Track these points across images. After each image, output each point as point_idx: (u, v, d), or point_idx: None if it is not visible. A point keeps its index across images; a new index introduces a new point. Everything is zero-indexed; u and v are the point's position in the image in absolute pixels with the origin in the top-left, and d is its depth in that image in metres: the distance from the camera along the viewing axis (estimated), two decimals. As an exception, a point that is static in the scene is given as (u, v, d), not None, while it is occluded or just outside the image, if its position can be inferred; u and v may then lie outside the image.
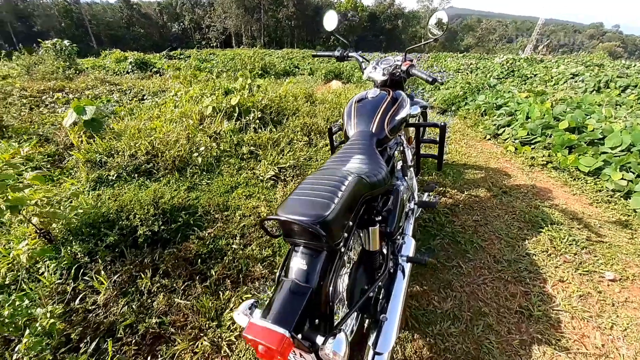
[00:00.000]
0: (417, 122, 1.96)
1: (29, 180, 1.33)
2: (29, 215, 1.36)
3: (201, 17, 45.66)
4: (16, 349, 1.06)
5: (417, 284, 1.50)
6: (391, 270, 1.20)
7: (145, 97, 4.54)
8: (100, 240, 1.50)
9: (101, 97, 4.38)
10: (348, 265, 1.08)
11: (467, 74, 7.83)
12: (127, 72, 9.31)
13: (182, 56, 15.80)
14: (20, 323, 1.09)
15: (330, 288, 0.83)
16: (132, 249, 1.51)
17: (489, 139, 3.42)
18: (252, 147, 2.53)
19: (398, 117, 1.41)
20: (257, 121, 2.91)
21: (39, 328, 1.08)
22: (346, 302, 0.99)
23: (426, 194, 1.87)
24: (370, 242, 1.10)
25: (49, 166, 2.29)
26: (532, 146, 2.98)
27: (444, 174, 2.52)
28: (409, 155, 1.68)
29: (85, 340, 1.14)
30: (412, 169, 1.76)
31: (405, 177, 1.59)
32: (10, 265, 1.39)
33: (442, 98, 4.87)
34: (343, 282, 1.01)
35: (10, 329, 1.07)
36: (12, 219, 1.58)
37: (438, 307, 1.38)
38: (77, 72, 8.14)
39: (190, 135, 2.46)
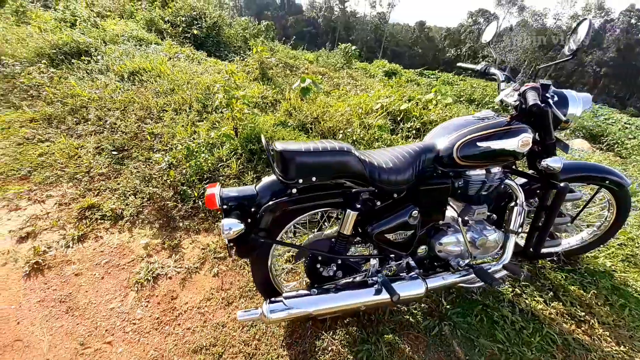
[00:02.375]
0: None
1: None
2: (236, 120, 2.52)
3: (482, 46, 45.92)
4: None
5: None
6: None
7: (353, 88, 5.77)
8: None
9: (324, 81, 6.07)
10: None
11: None
12: (373, 76, 11.71)
13: (432, 76, 17.29)
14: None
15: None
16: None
17: None
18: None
19: (483, 145, 1.24)
20: (414, 131, 3.07)
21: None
22: None
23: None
24: (344, 224, 1.21)
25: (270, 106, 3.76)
26: None
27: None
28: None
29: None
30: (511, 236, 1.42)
31: (467, 221, 1.37)
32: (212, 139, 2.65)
33: None
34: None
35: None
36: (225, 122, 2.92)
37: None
38: (348, 67, 11.35)
39: (348, 118, 3.10)
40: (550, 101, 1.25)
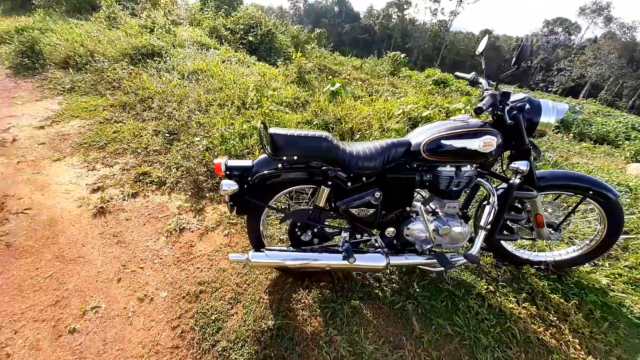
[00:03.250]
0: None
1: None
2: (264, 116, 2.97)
3: (558, 58, 41.70)
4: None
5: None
6: None
7: (391, 95, 5.93)
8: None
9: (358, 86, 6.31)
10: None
11: None
12: (420, 85, 11.59)
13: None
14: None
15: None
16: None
17: None
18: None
19: (447, 142, 1.45)
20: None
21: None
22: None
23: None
24: (319, 197, 1.52)
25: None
26: None
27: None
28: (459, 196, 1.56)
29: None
30: (466, 223, 1.59)
31: (437, 212, 1.57)
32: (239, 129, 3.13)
33: None
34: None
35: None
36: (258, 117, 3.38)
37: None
38: (395, 75, 11.48)
39: (369, 121, 3.37)
40: (506, 108, 1.42)
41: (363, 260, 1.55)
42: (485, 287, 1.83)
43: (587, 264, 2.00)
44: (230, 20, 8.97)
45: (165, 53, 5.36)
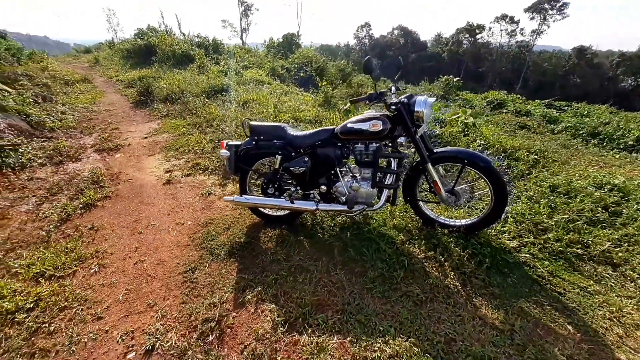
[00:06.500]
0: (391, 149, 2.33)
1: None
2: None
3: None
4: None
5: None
6: None
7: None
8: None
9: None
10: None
11: None
12: (473, 107, 11.53)
13: (566, 107, 14.90)
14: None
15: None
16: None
17: None
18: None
19: (350, 126, 2.31)
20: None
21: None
22: None
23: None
24: (275, 162, 2.51)
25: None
26: None
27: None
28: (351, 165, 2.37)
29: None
30: (365, 182, 2.34)
31: (356, 176, 2.38)
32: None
33: None
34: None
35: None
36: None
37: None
38: (445, 98, 11.90)
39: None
40: (388, 102, 2.20)
41: (300, 204, 2.43)
42: (401, 238, 2.46)
43: (493, 226, 2.43)
44: (287, 62, 11.00)
45: (230, 89, 7.22)
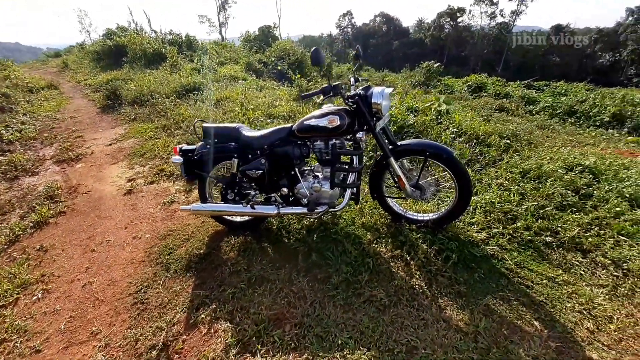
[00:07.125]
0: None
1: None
2: (251, 125, 3.93)
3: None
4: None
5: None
6: None
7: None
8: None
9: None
10: None
11: None
12: (453, 92, 11.45)
13: (544, 87, 15.03)
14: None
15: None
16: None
17: None
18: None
19: (307, 123, 2.15)
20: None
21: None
22: None
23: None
24: (232, 166, 2.33)
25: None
26: None
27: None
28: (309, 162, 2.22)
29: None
30: (321, 181, 2.19)
31: (318, 176, 2.23)
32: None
33: None
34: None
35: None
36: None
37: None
38: (426, 85, 11.81)
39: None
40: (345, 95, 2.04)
41: (261, 209, 2.28)
42: (369, 237, 2.34)
43: (461, 218, 2.34)
44: (265, 55, 10.67)
45: (203, 87, 6.93)
